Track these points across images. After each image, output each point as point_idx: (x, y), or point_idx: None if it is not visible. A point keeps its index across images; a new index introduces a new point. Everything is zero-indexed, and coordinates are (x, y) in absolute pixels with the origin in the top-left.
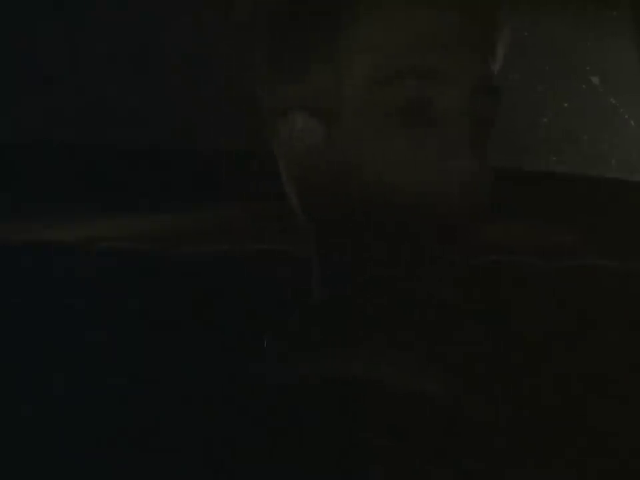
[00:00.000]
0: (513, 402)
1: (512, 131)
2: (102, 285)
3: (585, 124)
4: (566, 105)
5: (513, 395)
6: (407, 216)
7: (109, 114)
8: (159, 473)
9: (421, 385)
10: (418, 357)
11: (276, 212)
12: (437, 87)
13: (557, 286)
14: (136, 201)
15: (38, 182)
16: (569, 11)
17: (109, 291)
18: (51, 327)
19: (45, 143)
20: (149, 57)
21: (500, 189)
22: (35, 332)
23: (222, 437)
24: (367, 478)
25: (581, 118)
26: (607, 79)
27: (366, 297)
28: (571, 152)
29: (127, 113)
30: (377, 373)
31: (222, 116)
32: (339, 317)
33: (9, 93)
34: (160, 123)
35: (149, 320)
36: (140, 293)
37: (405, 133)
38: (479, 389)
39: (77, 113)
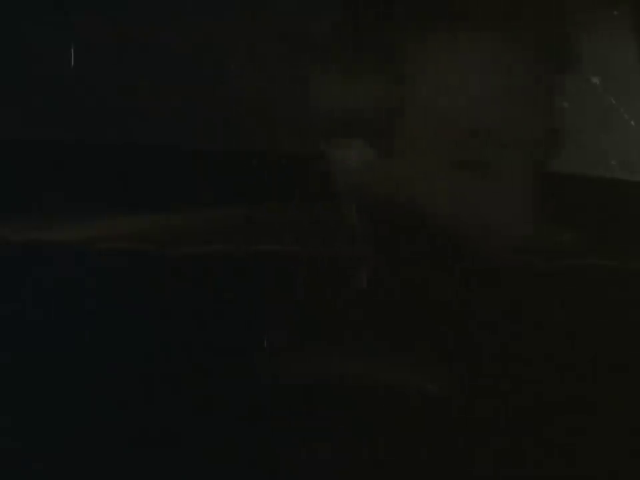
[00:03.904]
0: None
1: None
2: (102, 284)
3: (585, 124)
4: (566, 104)
5: (516, 392)
6: (443, 239)
7: (109, 114)
8: (159, 472)
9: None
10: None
11: (276, 212)
12: (496, 147)
13: (558, 285)
14: (136, 201)
15: (38, 182)
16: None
17: (109, 290)
18: (51, 327)
19: (45, 143)
20: (150, 57)
21: None
22: (35, 331)
23: (221, 435)
24: (366, 475)
25: (581, 118)
26: (607, 79)
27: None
28: (571, 152)
29: (127, 113)
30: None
31: (222, 116)
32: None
33: (9, 92)
34: (160, 123)
35: (148, 319)
36: (140, 292)
37: (460, 175)
38: (484, 387)
39: (77, 113)
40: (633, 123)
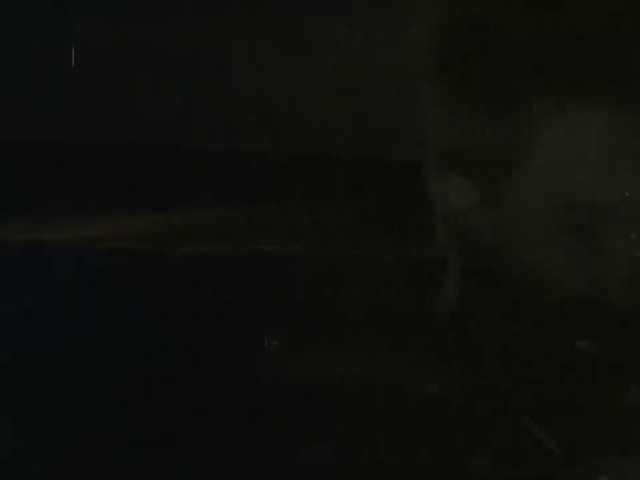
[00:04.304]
0: None
1: None
2: (102, 284)
3: None
4: None
5: None
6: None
7: (109, 114)
8: (159, 472)
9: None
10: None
11: (276, 212)
12: (600, 217)
13: None
14: (136, 201)
15: (38, 182)
16: None
17: (109, 290)
18: (51, 326)
19: (45, 143)
20: (150, 57)
21: None
22: (35, 331)
23: (221, 435)
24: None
25: None
26: None
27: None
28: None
29: (127, 113)
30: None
31: (223, 117)
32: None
33: (9, 92)
34: (160, 123)
35: (148, 319)
36: (140, 292)
37: (562, 234)
38: None
39: (77, 113)
40: None
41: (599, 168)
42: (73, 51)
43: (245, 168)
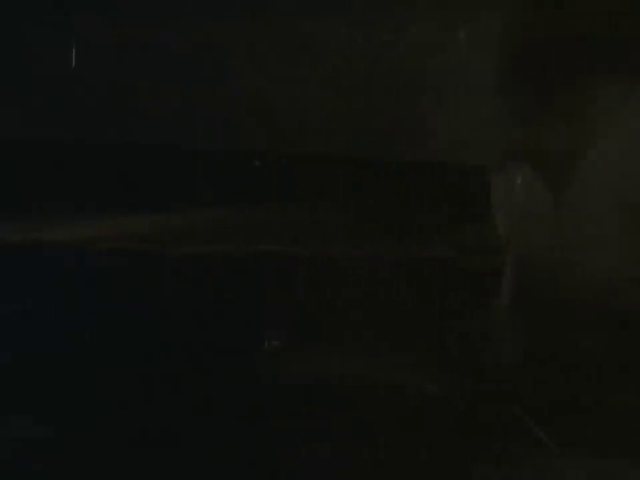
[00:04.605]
0: None
1: None
2: (102, 284)
3: None
4: None
5: None
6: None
7: (109, 114)
8: (159, 472)
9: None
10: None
11: (276, 212)
12: None
13: None
14: (136, 201)
15: (38, 182)
16: None
17: (109, 290)
18: (51, 326)
19: (45, 143)
20: (150, 57)
21: None
22: (35, 331)
23: (221, 435)
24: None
25: None
26: None
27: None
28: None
29: (127, 113)
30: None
31: (223, 117)
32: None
33: (9, 92)
34: (160, 123)
35: (148, 319)
36: (140, 292)
37: (628, 225)
38: None
39: (77, 113)
40: None
41: None
42: (73, 51)
43: (245, 168)
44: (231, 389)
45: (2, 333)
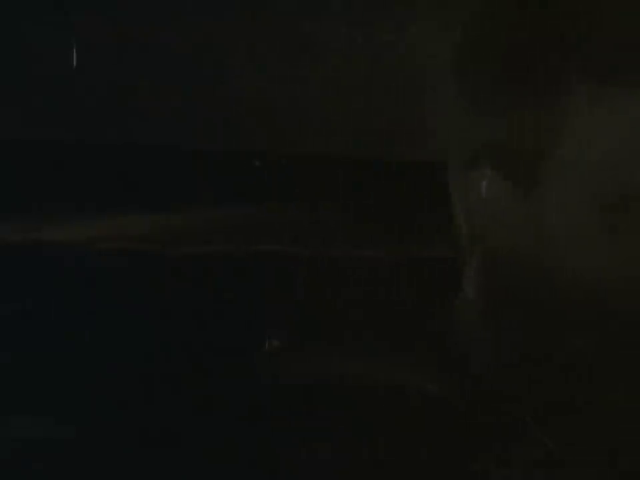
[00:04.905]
0: None
1: None
2: (102, 284)
3: None
4: None
5: None
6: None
7: (109, 114)
8: (159, 472)
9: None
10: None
11: (276, 212)
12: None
13: None
14: (136, 201)
15: (38, 182)
16: None
17: (109, 290)
18: (51, 326)
19: (45, 143)
20: (150, 57)
21: None
22: (35, 331)
23: (221, 435)
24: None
25: None
26: None
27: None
28: None
29: (127, 113)
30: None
31: (223, 117)
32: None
33: (9, 92)
34: (160, 123)
35: (148, 319)
36: (140, 292)
37: (604, 227)
38: None
39: (77, 113)
40: None
41: (636, 158)
42: (74, 51)
43: (245, 168)
44: (231, 388)
45: (2, 333)
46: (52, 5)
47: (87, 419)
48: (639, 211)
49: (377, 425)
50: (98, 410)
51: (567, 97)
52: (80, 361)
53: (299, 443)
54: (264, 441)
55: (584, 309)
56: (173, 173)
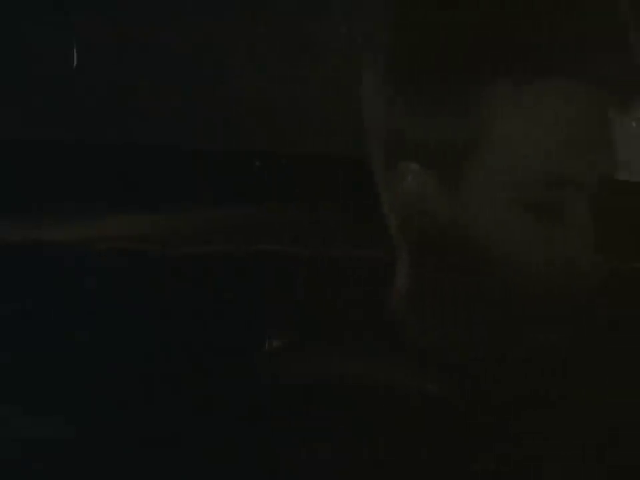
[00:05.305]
0: None
1: None
2: (102, 284)
3: None
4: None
5: None
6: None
7: (109, 114)
8: (159, 472)
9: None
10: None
11: (276, 212)
12: (567, 191)
13: None
14: (136, 201)
15: (38, 182)
16: None
17: (109, 290)
18: (50, 327)
19: (45, 143)
20: (150, 57)
21: None
22: (35, 331)
23: (221, 435)
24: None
25: None
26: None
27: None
28: None
29: (127, 113)
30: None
31: (223, 117)
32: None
33: (9, 92)
34: (160, 123)
35: (148, 319)
36: (140, 292)
37: (525, 216)
38: None
39: (77, 113)
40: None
41: (557, 147)
42: (74, 51)
43: (245, 168)
44: (231, 388)
45: (2, 333)
46: (52, 4)
47: (87, 418)
48: (562, 198)
49: (377, 425)
50: (98, 410)
51: (489, 93)
52: (80, 361)
53: (298, 443)
54: (264, 441)
55: (521, 299)
56: (173, 172)
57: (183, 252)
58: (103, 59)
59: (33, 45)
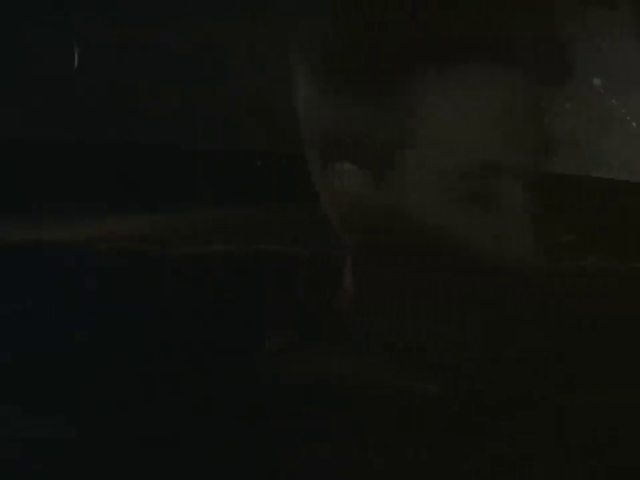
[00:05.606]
0: None
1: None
2: (102, 284)
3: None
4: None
5: None
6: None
7: (109, 114)
8: (159, 472)
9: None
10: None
11: (276, 212)
12: (500, 179)
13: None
14: (136, 201)
15: (38, 182)
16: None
17: (109, 290)
18: (51, 326)
19: (45, 143)
20: (150, 57)
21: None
22: (35, 331)
23: (221, 435)
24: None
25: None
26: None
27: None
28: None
29: (127, 113)
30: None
31: (223, 117)
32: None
33: (9, 92)
34: (160, 123)
35: (148, 319)
36: (140, 292)
37: (463, 206)
38: None
39: (77, 113)
40: (634, 124)
41: (489, 137)
42: (75, 51)
43: (245, 168)
44: (231, 388)
45: (2, 333)
46: (52, 4)
47: (87, 418)
48: (495, 184)
49: (377, 425)
50: (98, 410)
51: (418, 87)
52: (80, 361)
53: (298, 443)
54: (264, 441)
55: (464, 289)
56: (173, 173)
57: (182, 252)
58: (103, 58)
59: (33, 45)
